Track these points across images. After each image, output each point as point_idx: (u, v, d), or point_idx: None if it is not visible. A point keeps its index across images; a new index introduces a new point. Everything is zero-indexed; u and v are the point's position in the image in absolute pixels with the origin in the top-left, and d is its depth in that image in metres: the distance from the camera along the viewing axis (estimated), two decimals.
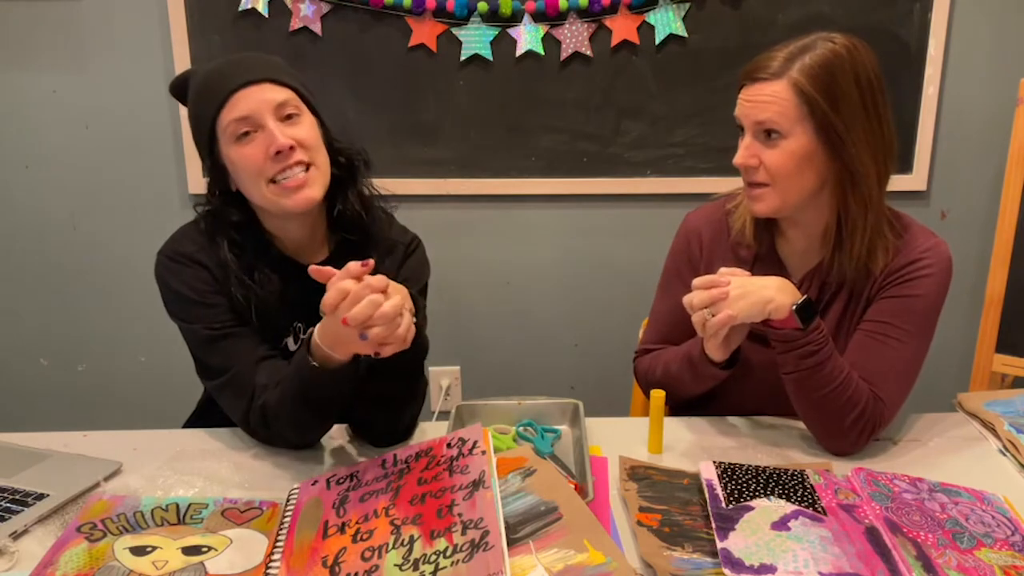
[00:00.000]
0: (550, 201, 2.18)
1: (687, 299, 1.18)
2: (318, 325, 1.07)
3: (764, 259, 1.30)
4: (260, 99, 1.13)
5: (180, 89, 1.23)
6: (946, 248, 1.25)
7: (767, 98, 1.16)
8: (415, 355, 1.10)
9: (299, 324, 1.27)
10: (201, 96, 1.17)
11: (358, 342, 1.01)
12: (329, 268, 1.01)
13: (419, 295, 1.27)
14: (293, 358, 1.13)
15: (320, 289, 1.00)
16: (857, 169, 1.17)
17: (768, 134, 1.17)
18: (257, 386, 1.16)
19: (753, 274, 1.22)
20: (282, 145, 1.12)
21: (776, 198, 1.20)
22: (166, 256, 1.22)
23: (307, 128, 1.16)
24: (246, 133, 1.13)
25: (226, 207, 1.20)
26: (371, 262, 1.00)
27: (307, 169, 1.15)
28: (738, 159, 1.20)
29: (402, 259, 1.31)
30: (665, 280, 1.43)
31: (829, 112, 1.14)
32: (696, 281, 1.17)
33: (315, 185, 1.16)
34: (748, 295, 1.14)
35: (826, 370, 1.17)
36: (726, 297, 1.14)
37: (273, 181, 1.14)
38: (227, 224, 1.20)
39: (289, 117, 1.15)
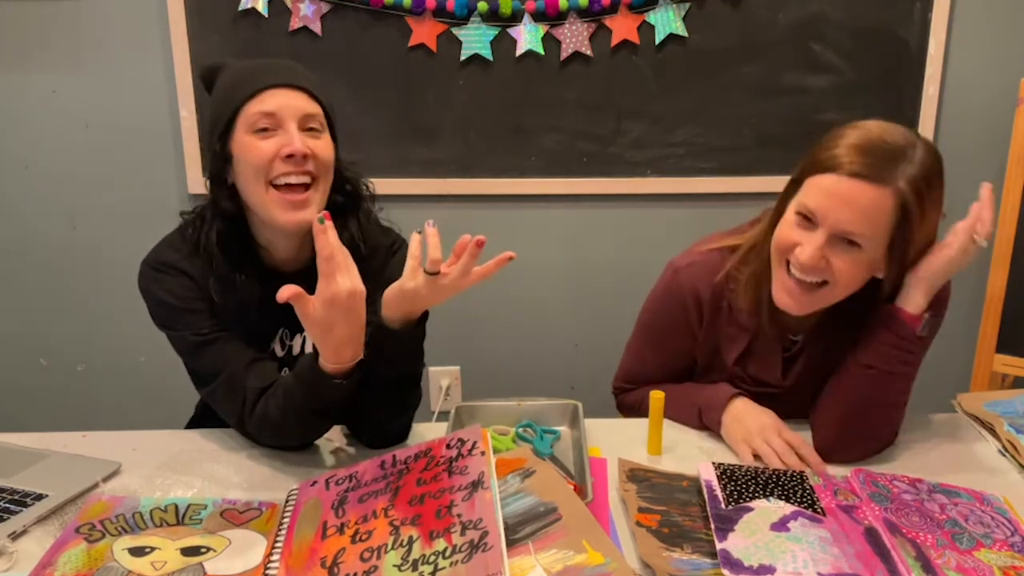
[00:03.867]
0: (550, 201, 2.18)
1: (779, 449, 1.16)
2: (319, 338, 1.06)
3: (767, 327, 1.26)
4: (290, 103, 1.15)
5: (211, 74, 1.23)
6: None
7: (866, 208, 1.06)
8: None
9: (285, 330, 1.28)
10: (234, 82, 1.17)
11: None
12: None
13: None
14: (295, 370, 1.13)
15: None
16: (903, 271, 1.14)
17: (850, 242, 1.09)
18: (248, 388, 1.16)
19: (753, 343, 1.25)
20: (297, 150, 1.12)
21: (830, 297, 1.15)
22: (149, 266, 1.23)
23: (324, 146, 1.18)
24: (264, 129, 1.14)
25: (219, 194, 1.19)
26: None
27: (308, 187, 1.15)
28: (806, 258, 1.09)
29: (385, 260, 1.30)
30: (656, 334, 1.37)
31: (916, 230, 1.10)
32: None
33: (312, 207, 1.16)
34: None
35: (897, 385, 1.17)
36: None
37: (274, 185, 1.14)
38: (216, 214, 1.19)
39: (311, 130, 1.16)
